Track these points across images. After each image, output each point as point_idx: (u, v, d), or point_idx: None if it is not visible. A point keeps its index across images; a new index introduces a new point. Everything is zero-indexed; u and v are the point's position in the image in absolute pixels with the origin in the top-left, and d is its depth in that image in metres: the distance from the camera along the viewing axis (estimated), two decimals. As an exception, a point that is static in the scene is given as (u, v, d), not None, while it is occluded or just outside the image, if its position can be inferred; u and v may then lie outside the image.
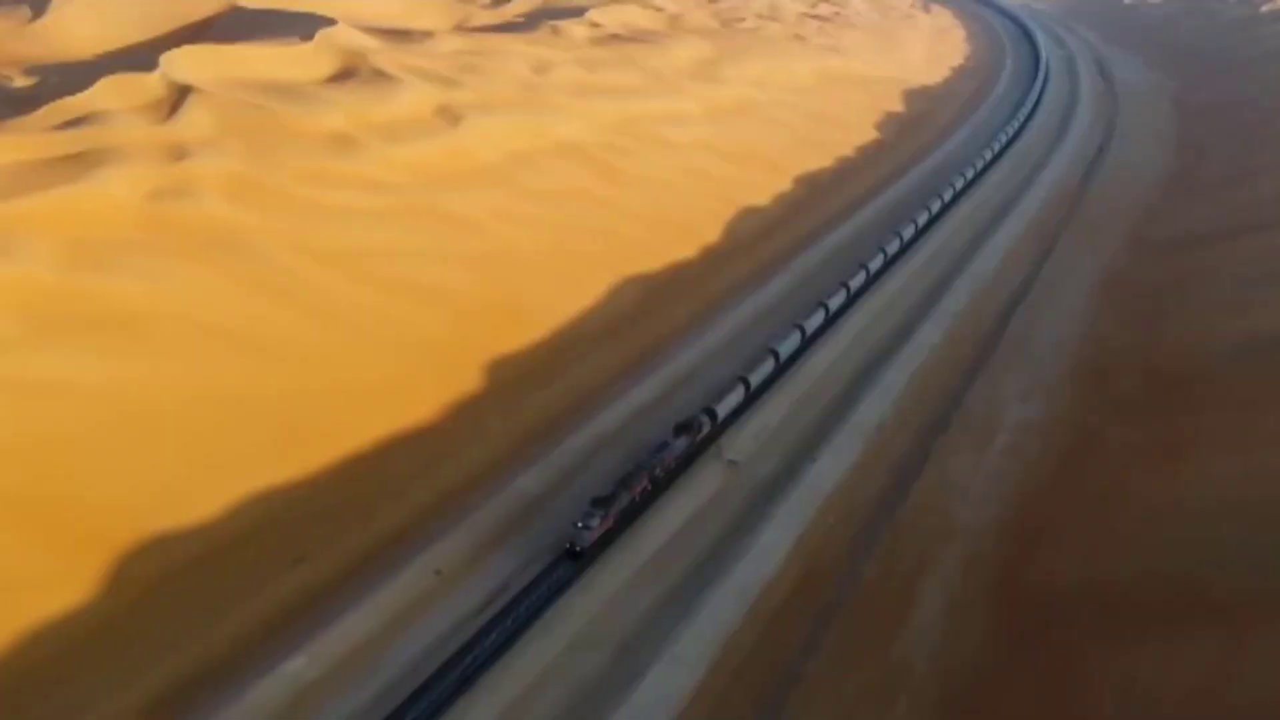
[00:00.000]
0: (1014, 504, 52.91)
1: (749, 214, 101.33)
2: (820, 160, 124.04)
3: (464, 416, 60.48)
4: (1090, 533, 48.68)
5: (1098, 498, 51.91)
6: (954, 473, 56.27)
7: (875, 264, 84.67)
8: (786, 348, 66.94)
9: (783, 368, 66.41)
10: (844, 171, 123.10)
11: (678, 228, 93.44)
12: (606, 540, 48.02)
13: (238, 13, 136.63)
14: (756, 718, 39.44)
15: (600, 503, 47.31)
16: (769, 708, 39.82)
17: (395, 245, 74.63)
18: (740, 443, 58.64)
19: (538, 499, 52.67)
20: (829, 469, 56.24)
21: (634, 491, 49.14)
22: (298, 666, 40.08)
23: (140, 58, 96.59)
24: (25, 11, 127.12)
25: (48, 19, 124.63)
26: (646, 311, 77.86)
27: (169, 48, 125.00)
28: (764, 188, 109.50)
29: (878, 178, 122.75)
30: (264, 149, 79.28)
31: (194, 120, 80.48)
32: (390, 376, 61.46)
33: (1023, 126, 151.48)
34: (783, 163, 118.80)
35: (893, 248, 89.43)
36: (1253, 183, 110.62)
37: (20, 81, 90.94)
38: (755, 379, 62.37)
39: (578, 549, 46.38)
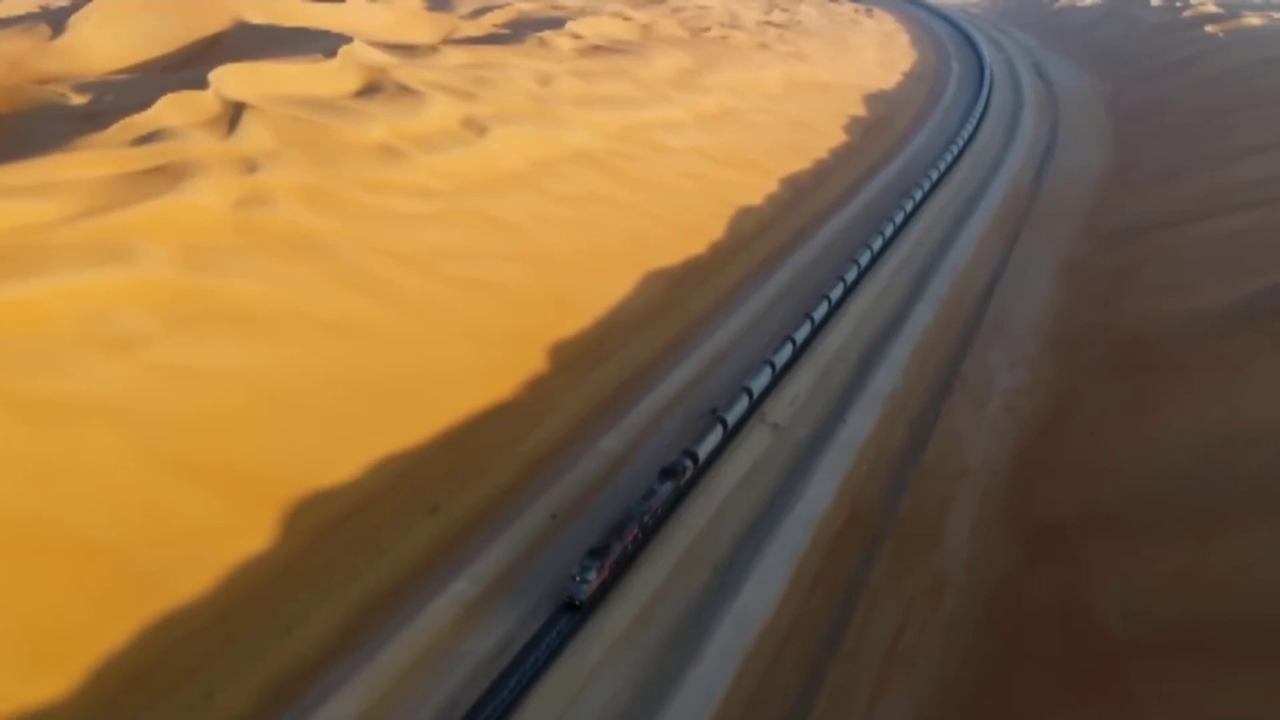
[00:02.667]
0: (1013, 450, 63.12)
1: (745, 213, 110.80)
2: (799, 163, 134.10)
3: (537, 393, 68.90)
4: (1079, 469, 58.93)
5: (1081, 442, 62.22)
6: (961, 427, 66.35)
7: (864, 259, 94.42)
8: (781, 357, 73.73)
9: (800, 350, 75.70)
10: (821, 173, 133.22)
11: (686, 227, 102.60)
12: (687, 488, 56.84)
13: (245, 29, 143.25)
14: (834, 616, 48.74)
15: (596, 554, 47.19)
16: (843, 608, 49.20)
17: (452, 246, 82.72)
18: (779, 410, 67.97)
19: (619, 457, 61.55)
20: (857, 428, 65.87)
21: (625, 541, 48.93)
22: (461, 588, 48.49)
23: (184, 75, 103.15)
24: (45, 29, 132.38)
25: (68, 36, 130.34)
26: (672, 302, 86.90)
27: (184, 63, 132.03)
28: (754, 189, 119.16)
29: (853, 178, 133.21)
30: (323, 160, 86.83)
31: (254, 134, 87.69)
32: (470, 361, 69.64)
33: (976, 128, 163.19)
34: (767, 166, 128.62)
35: (877, 244, 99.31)
36: (1181, 181, 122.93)
37: (76, 99, 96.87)
38: (732, 417, 62.64)
39: (577, 603, 46.25)
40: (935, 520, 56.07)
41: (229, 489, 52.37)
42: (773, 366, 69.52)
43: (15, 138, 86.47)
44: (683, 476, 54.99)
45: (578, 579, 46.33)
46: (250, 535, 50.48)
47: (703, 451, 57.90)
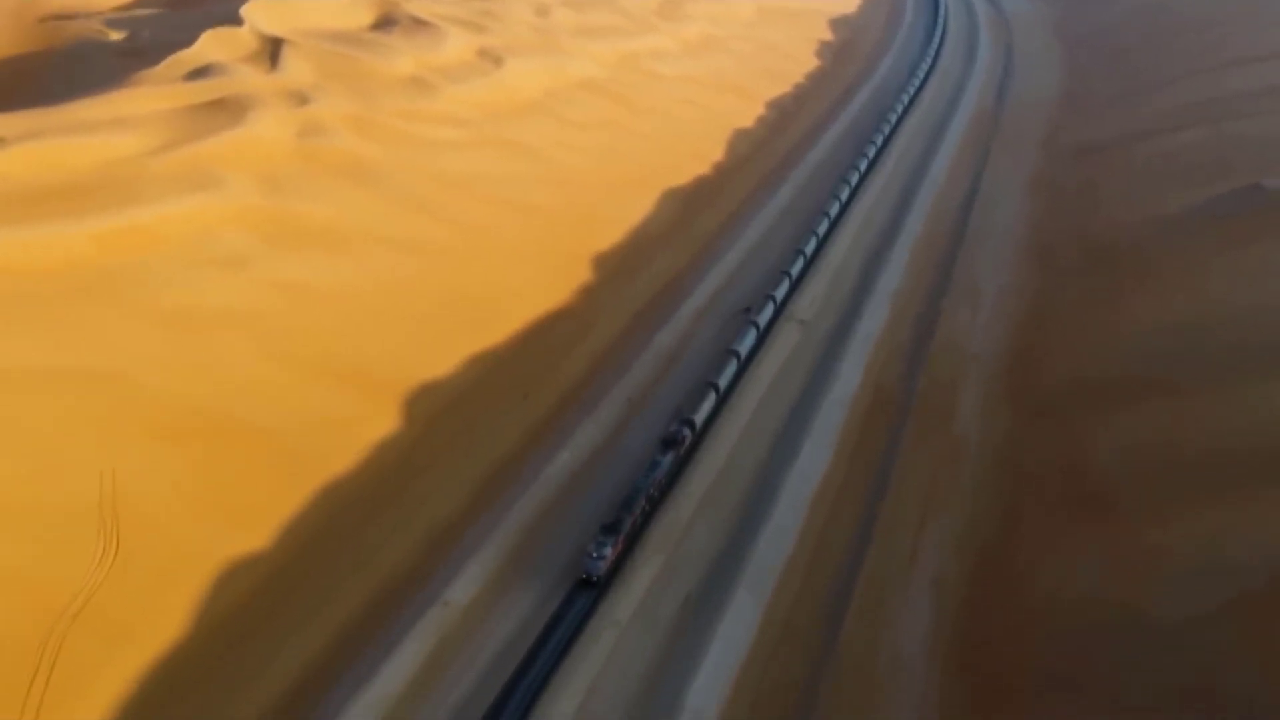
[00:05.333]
0: (1008, 337, 71.88)
1: (739, 136, 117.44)
2: (780, 87, 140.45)
3: (587, 302, 75.92)
4: (1066, 352, 67.83)
5: (1066, 329, 71.12)
6: (960, 320, 74.93)
7: (854, 179, 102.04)
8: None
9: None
10: (801, 96, 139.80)
11: (689, 150, 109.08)
12: (736, 378, 64.53)
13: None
14: (877, 474, 57.29)
15: (609, 530, 47.07)
16: (882, 467, 57.77)
17: (488, 171, 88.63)
18: (801, 309, 75.89)
19: (673, 350, 69.23)
20: (871, 323, 74.09)
21: (635, 514, 49.06)
22: (565, 458, 56.16)
23: (210, 9, 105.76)
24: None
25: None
26: (687, 219, 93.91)
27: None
28: (743, 113, 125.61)
29: (830, 101, 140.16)
30: (362, 92, 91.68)
31: (295, 68, 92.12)
32: (524, 276, 76.20)
33: (938, 53, 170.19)
34: (752, 90, 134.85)
35: (864, 165, 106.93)
36: (1132, 101, 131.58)
37: (113, 35, 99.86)
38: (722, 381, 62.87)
39: (594, 579, 46.10)
40: (948, 397, 64.74)
41: (350, 385, 59.10)
42: (789, 275, 77.66)
43: (68, 73, 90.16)
44: (682, 445, 54.94)
45: (594, 555, 45.98)
46: (375, 423, 57.42)
47: (700, 416, 57.81)
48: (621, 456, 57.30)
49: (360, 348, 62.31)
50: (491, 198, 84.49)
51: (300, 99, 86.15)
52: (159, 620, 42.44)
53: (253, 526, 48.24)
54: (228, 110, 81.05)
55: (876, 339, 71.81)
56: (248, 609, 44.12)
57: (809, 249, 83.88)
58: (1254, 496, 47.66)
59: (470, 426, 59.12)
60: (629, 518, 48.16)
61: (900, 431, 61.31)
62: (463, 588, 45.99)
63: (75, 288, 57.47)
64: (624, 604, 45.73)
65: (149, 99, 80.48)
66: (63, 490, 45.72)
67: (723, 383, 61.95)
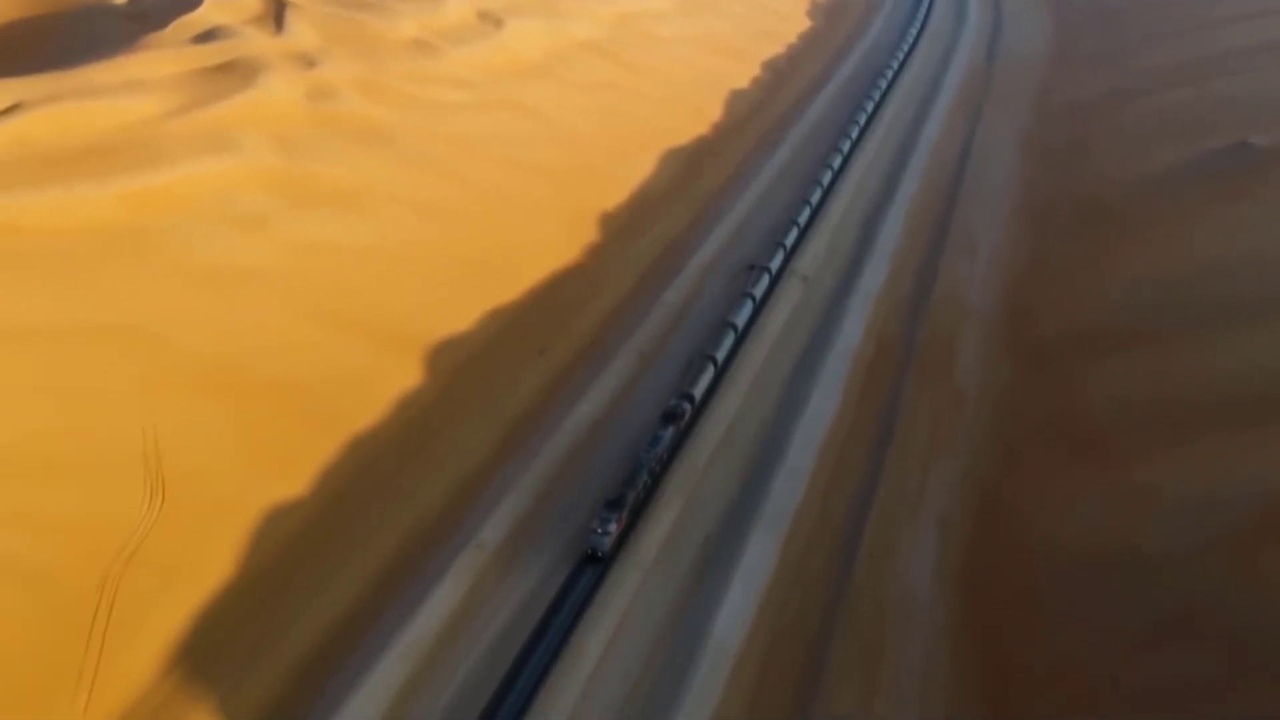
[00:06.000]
0: (1004, 291, 73.80)
1: (736, 96, 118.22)
2: (774, 48, 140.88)
3: (596, 260, 77.32)
4: (1060, 303, 69.80)
5: (1059, 282, 73.06)
6: (958, 275, 76.76)
7: (854, 131, 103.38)
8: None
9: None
10: (795, 57, 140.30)
11: (688, 110, 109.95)
12: (742, 337, 66.21)
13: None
14: (882, 422, 59.30)
15: (613, 505, 47.20)
16: (888, 415, 59.78)
17: (495, 132, 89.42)
18: (804, 267, 77.50)
19: (680, 306, 70.80)
20: (872, 279, 75.80)
21: (638, 489, 49.12)
22: (586, 409, 57.94)
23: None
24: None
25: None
26: (690, 177, 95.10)
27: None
28: (739, 74, 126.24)
29: (824, 61, 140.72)
30: (367, 55, 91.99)
31: (301, 32, 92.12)
32: (534, 235, 77.46)
33: (928, 13, 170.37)
34: (747, 51, 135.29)
35: (862, 119, 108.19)
36: (1121, 59, 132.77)
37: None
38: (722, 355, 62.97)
39: (599, 554, 46.04)
40: (948, 348, 66.70)
41: (373, 340, 60.57)
42: (798, 224, 79.39)
43: (76, 37, 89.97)
44: (682, 420, 55.14)
45: (599, 531, 46.06)
46: (399, 376, 59.01)
47: (699, 390, 57.90)
48: (637, 406, 59.12)
49: (381, 305, 63.68)
50: (499, 158, 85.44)
51: (307, 62, 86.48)
52: (208, 562, 44.23)
53: (290, 475, 49.93)
54: (238, 73, 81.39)
55: (877, 294, 73.57)
56: (290, 552, 45.94)
57: (814, 198, 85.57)
58: (1238, 437, 49.95)
59: (490, 379, 60.75)
60: (632, 493, 48.28)
61: (903, 381, 63.29)
62: (494, 530, 47.90)
63: (105, 248, 58.50)
64: (647, 545, 47.73)
65: (161, 62, 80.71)
66: (108, 442, 47.23)
67: (720, 355, 62.08)
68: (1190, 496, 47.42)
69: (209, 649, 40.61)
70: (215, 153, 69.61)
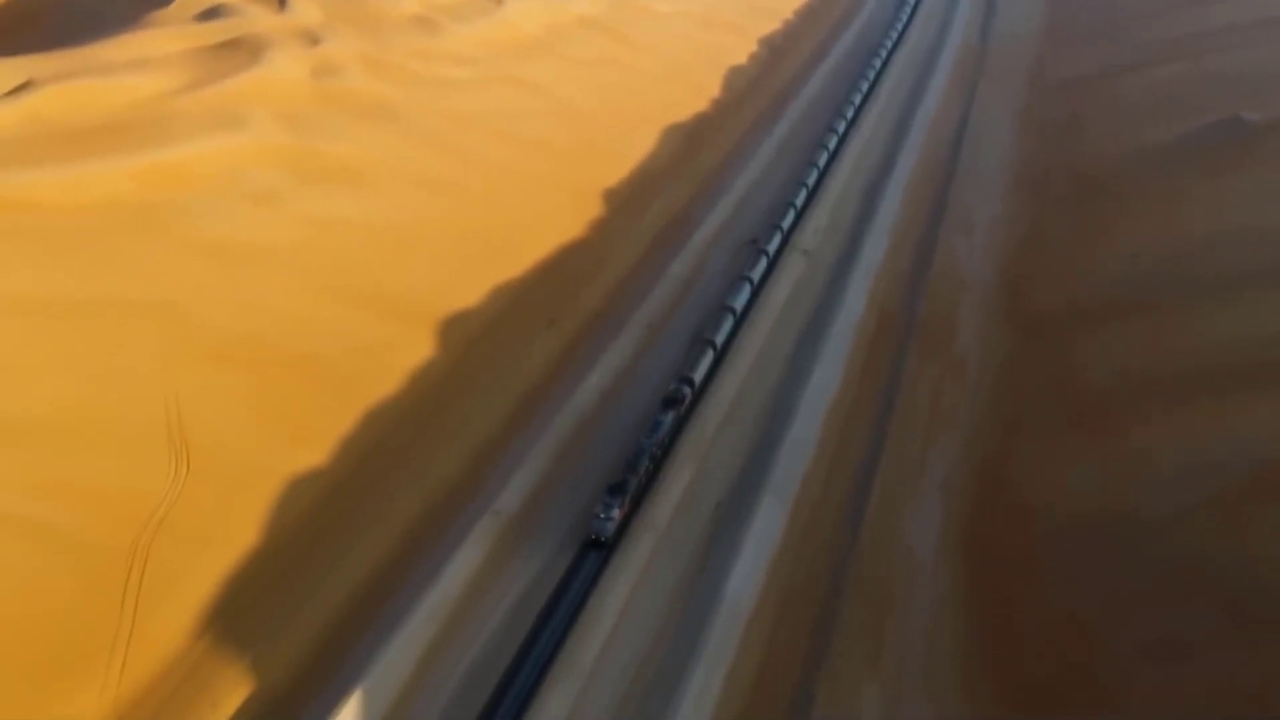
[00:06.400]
0: (1002, 264, 74.80)
1: (735, 72, 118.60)
2: (771, 24, 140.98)
3: (601, 234, 78.10)
4: (1057, 276, 70.83)
5: (1055, 255, 74.07)
6: (956, 249, 77.73)
7: (857, 98, 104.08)
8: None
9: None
10: (791, 33, 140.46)
11: (687, 85, 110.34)
12: (747, 309, 67.16)
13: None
14: (885, 391, 60.44)
15: (615, 491, 47.27)
16: (890, 385, 60.91)
17: (498, 108, 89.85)
18: (805, 240, 78.38)
19: (686, 279, 71.72)
20: (873, 253, 76.71)
21: (640, 474, 49.10)
22: (594, 381, 58.88)
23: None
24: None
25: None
26: (690, 152, 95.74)
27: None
28: (737, 50, 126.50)
29: (820, 37, 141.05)
30: (370, 32, 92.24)
31: (303, 9, 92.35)
32: (540, 210, 78.17)
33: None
34: (745, 27, 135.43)
35: (858, 99, 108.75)
36: (1115, 34, 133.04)
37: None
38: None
39: (602, 539, 46.03)
40: (948, 320, 67.76)
41: (387, 313, 61.38)
42: (796, 204, 80.00)
43: (80, 14, 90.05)
44: (683, 404, 55.23)
45: (602, 516, 46.10)
46: (411, 349, 59.84)
47: (698, 375, 57.85)
48: (644, 379, 60.16)
49: (391, 279, 64.41)
50: (504, 134, 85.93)
51: (311, 39, 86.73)
52: (234, 529, 45.19)
53: (310, 444, 50.85)
54: (243, 50, 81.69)
55: (878, 267, 74.53)
56: (314, 519, 46.94)
57: (810, 179, 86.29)
58: (1230, 403, 51.12)
59: (501, 352, 61.63)
60: (634, 478, 48.34)
61: (905, 352, 64.37)
62: (510, 498, 48.94)
63: (120, 223, 59.10)
64: (661, 511, 48.86)
65: (167, 40, 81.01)
66: (133, 414, 48.07)
67: (719, 340, 61.89)
68: (1184, 460, 48.64)
69: (239, 612, 41.64)
70: (224, 130, 70.09)
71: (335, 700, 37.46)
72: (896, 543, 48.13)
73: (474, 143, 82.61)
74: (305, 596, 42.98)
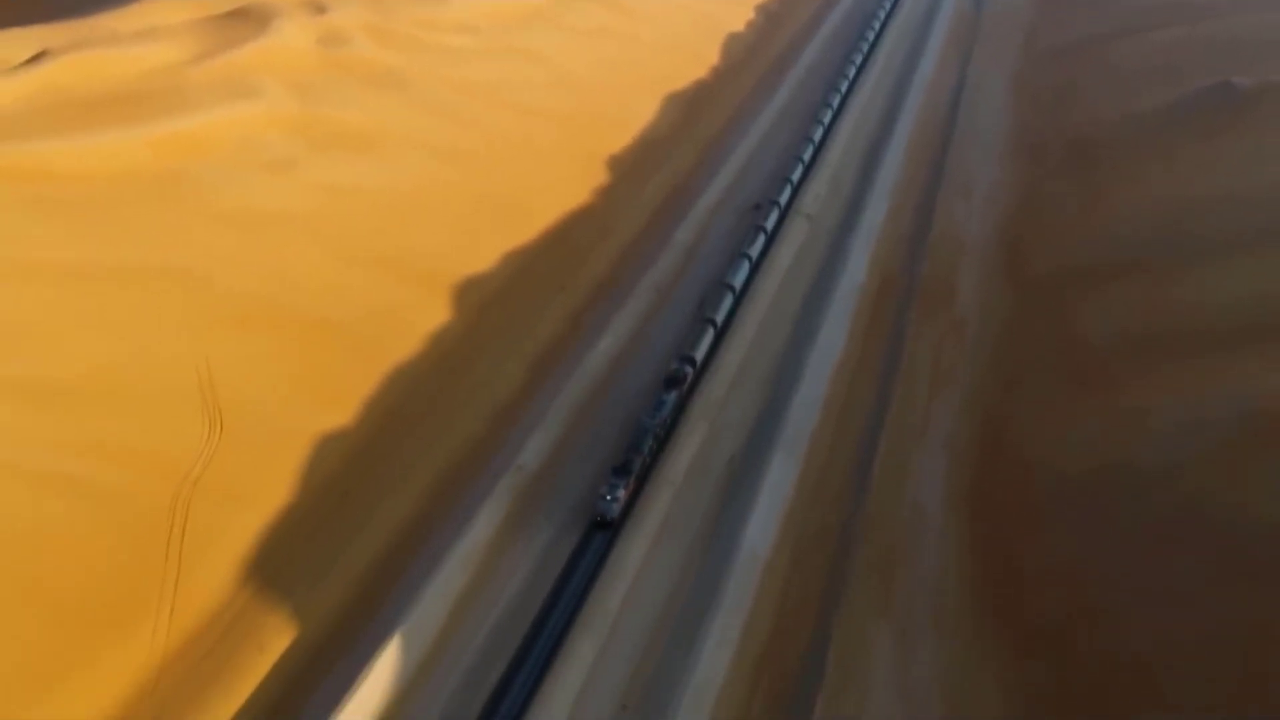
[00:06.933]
0: (1000, 227, 76.14)
1: (732, 40, 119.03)
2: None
3: (607, 200, 79.06)
4: (1053, 238, 72.22)
5: (1053, 218, 75.42)
6: (955, 212, 78.99)
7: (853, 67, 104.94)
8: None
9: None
10: (788, 0, 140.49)
11: (686, 53, 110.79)
12: (755, 269, 68.42)
13: None
14: (889, 350, 61.91)
15: (620, 471, 47.17)
16: (894, 347, 62.33)
17: (503, 77, 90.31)
18: (807, 205, 79.51)
19: (690, 245, 72.87)
20: (873, 216, 77.95)
21: (644, 455, 48.86)
22: (605, 344, 60.11)
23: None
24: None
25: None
26: (692, 119, 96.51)
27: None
28: (734, 18, 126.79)
29: (816, 5, 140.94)
30: (376, 1, 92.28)
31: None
32: (547, 178, 79.02)
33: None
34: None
35: (858, 58, 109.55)
36: (1106, 1, 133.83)
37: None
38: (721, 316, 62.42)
39: (608, 519, 45.92)
40: (948, 280, 69.17)
41: (402, 278, 62.43)
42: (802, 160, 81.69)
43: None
44: (684, 383, 54.92)
45: (607, 497, 46.11)
46: (430, 312, 60.99)
47: (700, 353, 57.57)
48: (653, 342, 61.42)
49: (406, 245, 65.38)
50: (509, 103, 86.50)
51: (317, 8, 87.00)
52: (267, 487, 46.49)
53: (336, 405, 52.07)
54: (251, 20, 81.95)
55: (879, 231, 75.77)
56: (344, 475, 48.28)
57: (816, 136, 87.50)
58: (1222, 360, 52.80)
59: (515, 315, 62.81)
60: (638, 458, 48.23)
61: (907, 313, 65.79)
62: (532, 454, 50.35)
63: (141, 192, 59.85)
64: (677, 466, 50.38)
65: (175, 9, 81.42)
66: (166, 377, 49.17)
67: (719, 318, 61.46)
68: (1179, 415, 50.22)
69: (278, 563, 43.06)
70: (237, 98, 70.65)
71: (376, 644, 38.94)
72: (903, 496, 49.76)
73: (480, 111, 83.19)
74: (341, 548, 44.42)
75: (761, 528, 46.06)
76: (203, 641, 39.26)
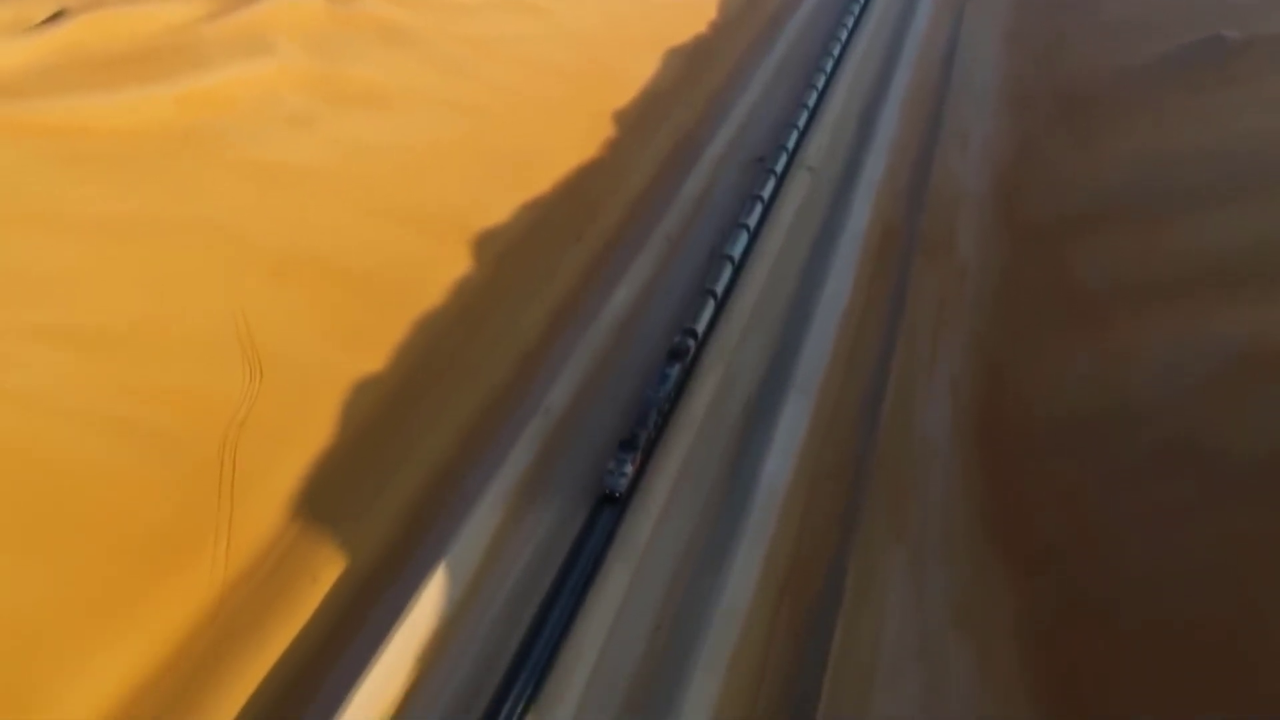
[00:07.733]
0: (996, 178, 77.67)
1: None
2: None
3: (616, 153, 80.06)
4: (1048, 188, 73.87)
5: (1047, 168, 76.99)
6: (953, 164, 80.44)
7: (844, 34, 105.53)
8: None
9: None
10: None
11: (685, 8, 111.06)
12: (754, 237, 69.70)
13: None
14: (893, 297, 63.71)
15: (627, 446, 47.14)
16: (897, 293, 64.11)
17: (510, 33, 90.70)
18: (810, 158, 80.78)
19: (698, 196, 74.16)
20: (874, 168, 79.32)
21: (649, 429, 48.98)
22: (622, 295, 61.68)
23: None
24: None
25: None
26: (692, 75, 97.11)
27: None
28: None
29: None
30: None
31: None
32: (558, 131, 79.94)
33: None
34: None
35: (856, 8, 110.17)
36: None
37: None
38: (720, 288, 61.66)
39: (616, 495, 45.76)
40: (948, 230, 70.83)
41: (423, 230, 63.72)
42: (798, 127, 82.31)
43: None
44: (687, 355, 54.69)
45: (615, 472, 46.03)
46: (451, 263, 62.38)
47: (701, 326, 57.38)
48: (669, 289, 63.01)
49: (424, 199, 66.54)
50: (516, 58, 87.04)
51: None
52: (309, 429, 48.24)
53: (369, 352, 53.68)
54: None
55: (880, 182, 77.18)
56: (381, 419, 50.01)
57: (810, 100, 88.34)
58: (1211, 303, 54.82)
59: (533, 265, 64.22)
60: (644, 433, 48.34)
61: (909, 261, 67.50)
62: (558, 398, 52.17)
63: (169, 147, 60.78)
64: (697, 407, 52.32)
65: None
66: (204, 326, 50.68)
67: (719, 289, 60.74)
68: (1171, 355, 52.32)
69: (325, 500, 44.94)
70: (253, 56, 71.22)
71: (422, 573, 40.99)
72: (912, 432, 51.90)
73: (490, 67, 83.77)
74: (382, 485, 46.29)
75: (779, 463, 48.15)
76: (259, 572, 41.23)
